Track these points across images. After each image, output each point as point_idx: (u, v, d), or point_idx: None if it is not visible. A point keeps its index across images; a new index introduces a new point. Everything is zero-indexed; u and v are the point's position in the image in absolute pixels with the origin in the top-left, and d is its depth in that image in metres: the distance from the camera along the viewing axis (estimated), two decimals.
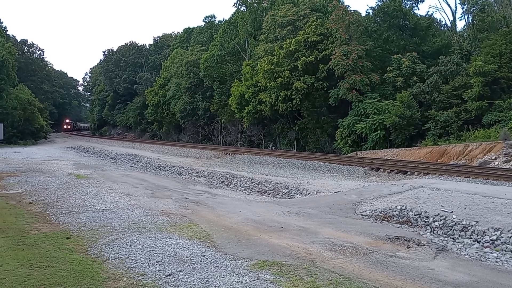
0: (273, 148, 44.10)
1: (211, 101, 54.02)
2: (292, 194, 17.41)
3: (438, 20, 49.06)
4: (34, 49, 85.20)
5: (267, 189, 18.64)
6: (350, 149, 34.92)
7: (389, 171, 22.32)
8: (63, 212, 11.69)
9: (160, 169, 27.05)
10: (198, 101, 55.68)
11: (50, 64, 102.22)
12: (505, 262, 7.85)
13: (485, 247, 8.87)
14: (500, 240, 9.04)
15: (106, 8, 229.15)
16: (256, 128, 47.51)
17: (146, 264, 7.33)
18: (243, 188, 19.49)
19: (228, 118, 50.46)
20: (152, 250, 8.12)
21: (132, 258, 7.64)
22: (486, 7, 39.01)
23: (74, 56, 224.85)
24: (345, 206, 12.71)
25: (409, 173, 21.33)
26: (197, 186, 19.56)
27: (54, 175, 20.25)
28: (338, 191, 15.91)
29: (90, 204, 12.91)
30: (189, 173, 24.50)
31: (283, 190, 17.99)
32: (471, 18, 40.27)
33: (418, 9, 56.53)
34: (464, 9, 41.55)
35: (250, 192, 18.63)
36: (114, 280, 6.62)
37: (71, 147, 47.47)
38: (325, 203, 13.31)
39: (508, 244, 8.79)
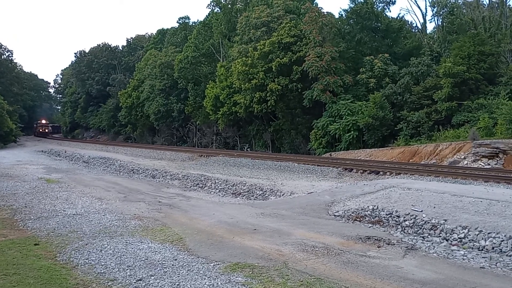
0: (248, 149, 44.08)
1: (185, 102, 53.64)
2: (266, 195, 17.43)
3: (409, 22, 50.14)
4: (2, 50, 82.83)
5: (241, 191, 18.61)
6: (324, 150, 35.19)
7: (362, 171, 22.61)
8: (32, 217, 11.41)
9: (133, 172, 26.69)
10: (172, 103, 55.22)
11: (19, 65, 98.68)
12: (471, 260, 8.05)
13: (453, 245, 9.09)
14: (467, 238, 9.28)
15: (77, 8, 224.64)
16: (231, 130, 47.42)
17: (117, 269, 7.22)
18: (217, 191, 19.41)
19: (203, 120, 50.20)
20: (123, 255, 8.01)
21: (102, 264, 7.52)
22: (455, 9, 39.99)
23: (44, 57, 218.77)
24: (318, 207, 12.82)
25: (381, 173, 21.64)
26: (170, 189, 19.38)
27: (23, 180, 19.75)
28: (312, 192, 16.02)
29: (60, 209, 12.64)
30: (163, 176, 24.25)
31: (258, 192, 18.00)
32: (440, 20, 41.23)
33: (390, 12, 57.45)
34: (434, 12, 42.53)
35: (225, 194, 18.56)
36: (83, 287, 6.51)
37: (42, 151, 46.35)
38: (299, 204, 13.38)
39: (475, 242, 9.04)
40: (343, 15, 43.05)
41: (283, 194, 16.88)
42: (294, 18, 40.76)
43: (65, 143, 63.53)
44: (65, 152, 42.12)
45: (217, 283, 6.56)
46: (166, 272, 7.09)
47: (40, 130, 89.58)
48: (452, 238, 9.45)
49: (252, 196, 17.70)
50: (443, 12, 40.08)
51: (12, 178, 20.37)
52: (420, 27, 47.20)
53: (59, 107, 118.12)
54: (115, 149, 48.06)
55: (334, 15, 43.78)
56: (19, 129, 66.97)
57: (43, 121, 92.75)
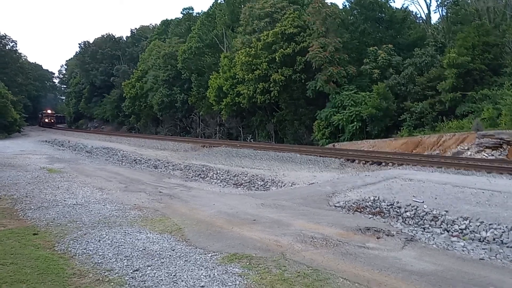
0: (251, 140, 43.99)
1: (189, 93, 53.50)
2: (267, 186, 17.40)
3: (413, 13, 49.48)
4: (6, 41, 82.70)
5: (243, 181, 18.60)
6: (328, 140, 35.05)
7: (364, 162, 22.48)
8: (32, 207, 11.42)
9: (136, 162, 26.71)
10: (176, 93, 55.11)
11: (24, 56, 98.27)
12: (471, 251, 7.99)
13: (453, 236, 9.02)
14: (468, 229, 9.22)
15: None
16: (234, 121, 47.32)
17: (114, 260, 7.22)
18: (218, 181, 19.40)
19: (207, 111, 50.06)
20: (121, 245, 8.00)
21: (100, 254, 7.52)
22: (460, 0, 39.54)
23: (49, 48, 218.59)
24: (319, 198, 12.77)
25: (383, 164, 21.52)
26: (172, 179, 19.37)
27: (26, 170, 19.78)
28: (313, 183, 15.97)
29: (60, 199, 12.65)
30: (165, 166, 24.26)
31: (259, 182, 17.98)
32: (445, 11, 40.85)
33: (394, 2, 57.04)
34: (438, 2, 42.10)
35: (226, 185, 18.55)
36: (80, 277, 6.50)
37: (46, 141, 46.48)
38: (300, 195, 13.34)
39: (476, 233, 8.98)
40: (347, 6, 42.65)
41: (284, 185, 16.86)
42: (297, 9, 40.45)
43: (69, 133, 63.64)
44: (69, 142, 42.25)
45: (214, 274, 6.54)
46: (163, 262, 7.08)
47: (46, 120, 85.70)
48: (453, 229, 9.40)
49: (253, 186, 17.67)
50: (447, 3, 39.69)
51: (14, 168, 20.41)
52: (424, 17, 46.72)
53: (64, 98, 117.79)
54: (118, 140, 48.08)
55: (338, 6, 43.27)
56: (24, 119, 67.11)
57: (49, 111, 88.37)
